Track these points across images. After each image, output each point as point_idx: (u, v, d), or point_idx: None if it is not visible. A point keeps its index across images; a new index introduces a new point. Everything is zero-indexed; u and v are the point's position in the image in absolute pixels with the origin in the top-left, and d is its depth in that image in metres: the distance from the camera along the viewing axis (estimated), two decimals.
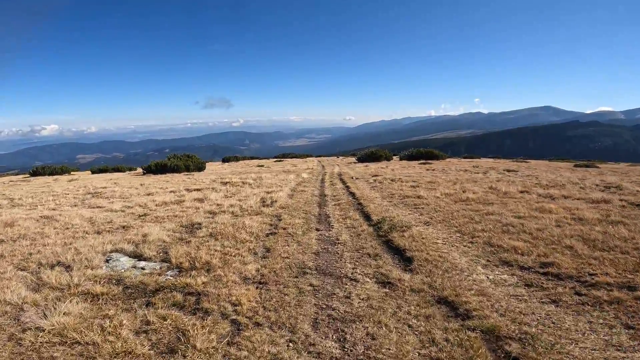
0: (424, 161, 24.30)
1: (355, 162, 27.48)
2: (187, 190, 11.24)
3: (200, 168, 23.52)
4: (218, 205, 8.14)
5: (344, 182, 12.54)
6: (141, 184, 13.75)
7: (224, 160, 42.09)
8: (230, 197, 9.49)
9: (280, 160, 36.38)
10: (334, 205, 8.10)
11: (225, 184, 12.87)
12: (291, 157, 44.25)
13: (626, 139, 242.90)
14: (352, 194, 9.49)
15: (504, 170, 15.80)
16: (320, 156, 51.19)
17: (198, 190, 11.18)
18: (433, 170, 16.51)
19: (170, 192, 10.89)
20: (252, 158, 51.45)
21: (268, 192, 9.98)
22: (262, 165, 27.41)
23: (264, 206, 7.94)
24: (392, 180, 12.22)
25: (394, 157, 30.72)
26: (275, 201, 8.40)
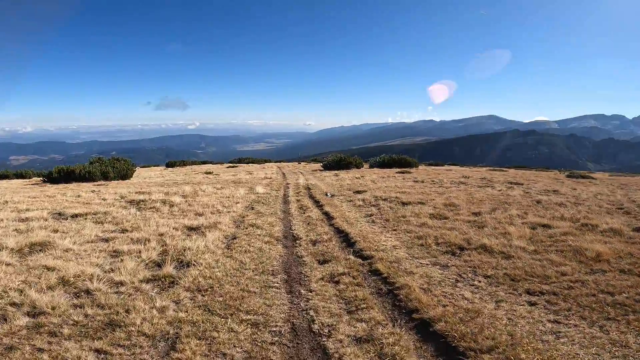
0: (400, 169, 21.19)
1: (321, 170, 23.77)
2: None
3: (125, 176, 18.35)
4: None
5: (318, 204, 8.66)
6: None
7: (168, 165, 36.26)
8: (99, 252, 5.19)
9: (234, 166, 31.64)
10: (325, 280, 3.93)
11: (132, 204, 8.40)
12: (248, 163, 39.52)
13: (561, 148, 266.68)
14: (344, 235, 5.58)
15: (506, 182, 12.91)
16: (280, 161, 46.92)
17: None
18: (422, 182, 13.23)
19: None
20: (204, 163, 45.81)
21: (189, 230, 5.83)
22: (210, 172, 22.69)
23: (153, 281, 3.83)
24: (385, 199, 8.57)
25: (364, 164, 27.52)
26: (192, 263, 4.31)
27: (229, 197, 9.59)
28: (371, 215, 6.89)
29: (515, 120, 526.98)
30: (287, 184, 13.74)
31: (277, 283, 3.85)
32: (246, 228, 6.12)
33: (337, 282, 3.71)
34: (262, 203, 8.83)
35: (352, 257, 4.40)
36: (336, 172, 20.89)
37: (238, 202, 8.80)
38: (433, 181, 13.34)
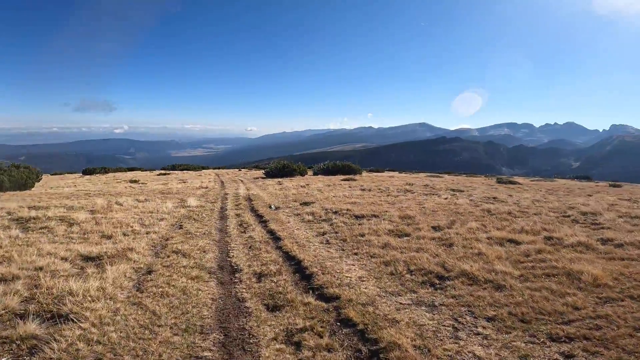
0: (345, 177, 20.81)
1: (263, 178, 22.48)
2: None
3: (24, 185, 15.12)
4: None
5: (261, 219, 7.53)
6: None
7: (85, 173, 31.68)
8: None
9: (166, 174, 28.68)
10: (280, 342, 2.79)
11: (18, 222, 6.42)
12: (182, 170, 36.36)
13: (480, 153, 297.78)
14: (296, 263, 4.55)
15: (449, 190, 13.09)
16: (219, 168, 44.18)
17: None
18: (369, 190, 12.82)
19: None
20: (131, 169, 41.19)
21: (85, 262, 4.36)
22: (136, 181, 19.99)
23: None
24: (336, 212, 7.77)
25: (308, 171, 26.80)
26: (72, 317, 2.97)
27: (152, 213, 7.99)
28: (324, 233, 5.98)
29: (443, 127, 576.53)
30: (226, 194, 12.31)
31: (210, 350, 2.71)
32: (168, 256, 4.80)
33: (298, 345, 2.68)
34: (194, 219, 7.44)
35: (311, 299, 3.39)
36: (279, 179, 19.82)
37: (163, 219, 7.29)
38: (380, 189, 13.01)
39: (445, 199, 10.16)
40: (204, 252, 5.09)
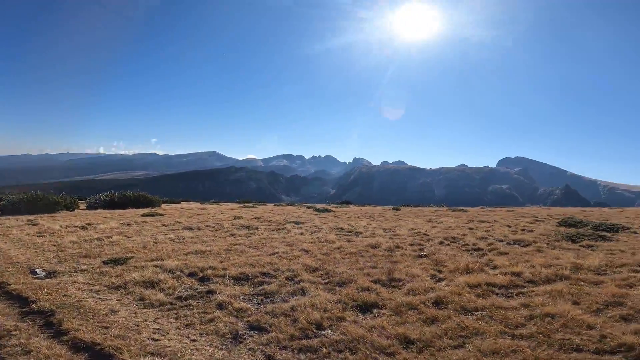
0: (147, 211, 15.98)
1: None
2: None
3: None
4: None
5: (25, 303, 3.75)
6: None
7: None
8: None
9: None
10: None
11: None
12: None
13: (265, 183, 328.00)
14: None
15: (288, 222, 12.22)
16: None
17: None
18: (198, 229, 10.01)
19: None
20: None
21: None
22: None
23: None
24: (192, 274, 5.00)
25: (80, 204, 19.54)
26: None
27: None
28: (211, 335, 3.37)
29: (233, 157, 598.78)
30: None
31: None
32: None
33: None
34: None
35: None
36: (30, 217, 13.01)
37: None
38: (215, 228, 10.14)
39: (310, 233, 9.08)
40: None
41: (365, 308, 3.78)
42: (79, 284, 4.63)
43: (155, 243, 7.30)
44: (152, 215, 14.03)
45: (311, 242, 7.38)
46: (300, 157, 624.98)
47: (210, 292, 4.34)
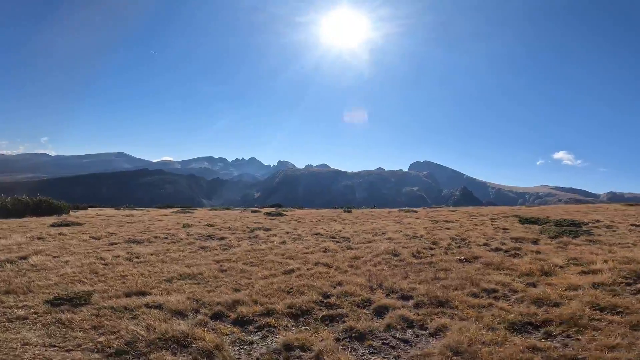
0: (58, 220, 12.82)
1: None
2: None
3: None
4: None
5: None
6: None
7: None
8: None
9: None
10: None
11: None
12: None
13: (183, 186, 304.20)
14: None
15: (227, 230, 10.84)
16: None
17: None
18: (153, 242, 8.10)
19: None
20: None
21: None
22: None
23: None
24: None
25: None
26: None
27: None
28: None
29: (144, 159, 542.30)
30: None
31: None
32: None
33: None
34: None
35: None
36: None
37: None
38: (171, 240, 8.30)
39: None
40: None
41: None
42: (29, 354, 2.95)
43: (105, 265, 5.51)
44: (67, 225, 11.25)
45: (313, 252, 6.45)
46: (223, 160, 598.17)
47: (287, 347, 3.04)
